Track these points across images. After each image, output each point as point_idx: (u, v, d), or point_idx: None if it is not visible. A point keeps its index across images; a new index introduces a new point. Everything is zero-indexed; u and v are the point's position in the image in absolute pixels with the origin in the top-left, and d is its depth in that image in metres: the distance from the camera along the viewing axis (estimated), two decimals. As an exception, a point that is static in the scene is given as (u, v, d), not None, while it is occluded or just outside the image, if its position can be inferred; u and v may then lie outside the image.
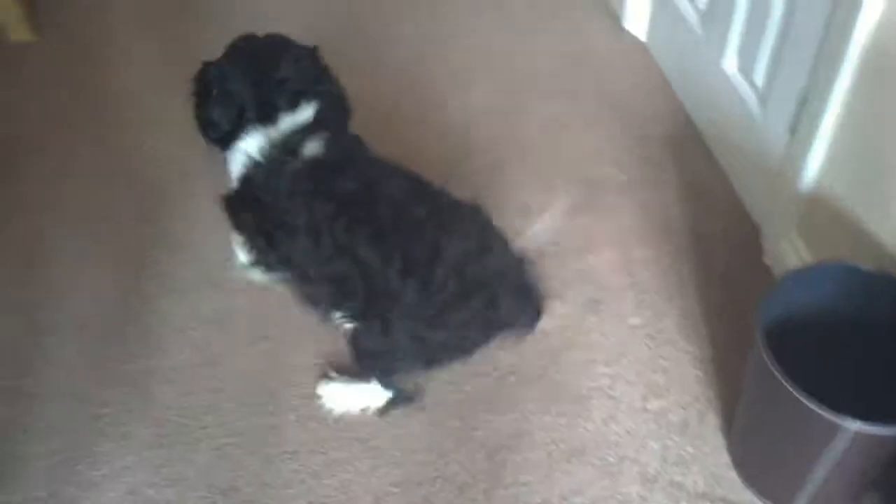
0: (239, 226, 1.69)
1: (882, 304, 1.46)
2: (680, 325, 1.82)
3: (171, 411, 1.68)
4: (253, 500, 1.56)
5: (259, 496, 1.56)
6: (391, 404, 1.67)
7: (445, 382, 1.71)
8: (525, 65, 2.48)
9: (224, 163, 1.64)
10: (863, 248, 1.55)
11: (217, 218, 1.72)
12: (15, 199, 2.12)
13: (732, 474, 1.58)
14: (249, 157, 1.57)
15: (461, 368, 1.71)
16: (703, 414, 1.67)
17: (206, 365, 1.76)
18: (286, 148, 1.55)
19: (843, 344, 1.50)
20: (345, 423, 1.66)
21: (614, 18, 2.54)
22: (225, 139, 1.61)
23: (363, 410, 1.67)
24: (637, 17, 2.48)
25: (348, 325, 1.62)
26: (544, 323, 1.66)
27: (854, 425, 1.26)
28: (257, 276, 1.73)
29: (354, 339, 1.60)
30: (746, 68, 1.97)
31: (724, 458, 1.60)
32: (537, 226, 1.79)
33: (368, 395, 1.67)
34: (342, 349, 1.68)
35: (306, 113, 1.59)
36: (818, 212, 1.70)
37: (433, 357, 1.61)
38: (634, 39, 2.49)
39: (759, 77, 1.92)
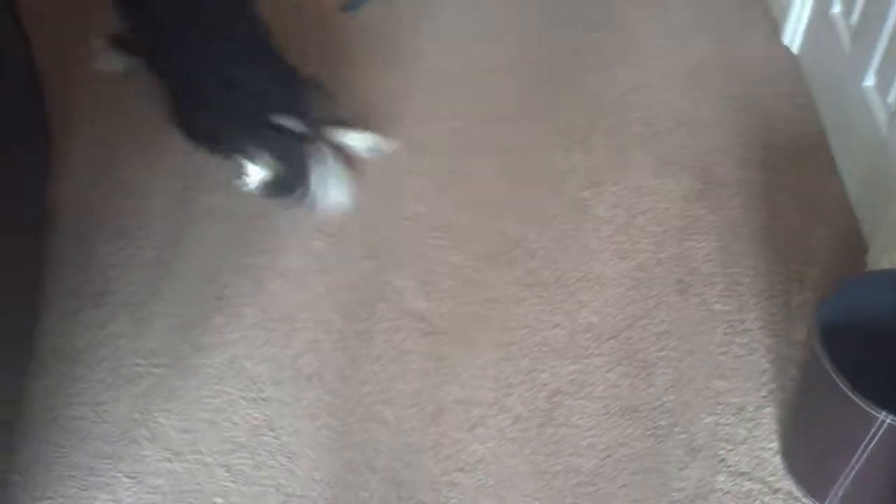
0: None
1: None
2: (762, 321, 1.86)
3: (278, 302, 1.90)
4: (333, 389, 1.75)
5: (339, 386, 1.76)
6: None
7: (522, 326, 1.85)
8: (674, 60, 2.53)
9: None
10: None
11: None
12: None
13: (777, 460, 1.63)
14: None
15: (540, 315, 1.84)
16: (762, 402, 1.72)
17: (317, 272, 1.97)
18: None
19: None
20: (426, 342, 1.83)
21: (773, 29, 2.56)
22: None
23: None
24: (795, 29, 2.50)
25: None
26: (622, 287, 1.76)
27: (888, 418, 1.30)
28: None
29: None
30: (883, 86, 1.98)
31: (774, 444, 1.65)
32: (376, 137, 2.12)
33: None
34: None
35: None
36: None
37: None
38: (787, 51, 2.50)
39: (893, 96, 1.92)
